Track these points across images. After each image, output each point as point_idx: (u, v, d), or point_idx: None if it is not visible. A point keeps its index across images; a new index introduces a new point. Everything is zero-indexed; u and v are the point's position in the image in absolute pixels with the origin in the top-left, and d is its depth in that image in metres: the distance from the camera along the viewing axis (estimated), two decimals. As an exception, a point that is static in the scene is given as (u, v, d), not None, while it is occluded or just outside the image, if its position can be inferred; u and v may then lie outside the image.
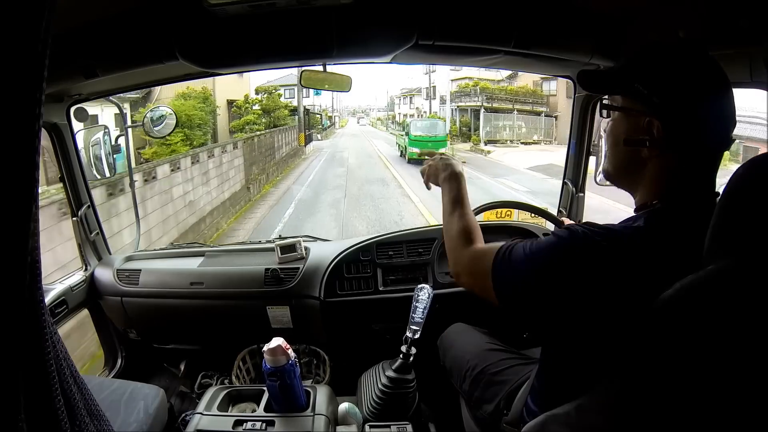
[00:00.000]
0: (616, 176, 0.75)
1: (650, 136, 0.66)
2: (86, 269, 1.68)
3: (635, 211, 0.71)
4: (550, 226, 1.75)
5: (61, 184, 1.60)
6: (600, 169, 0.80)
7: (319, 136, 24.71)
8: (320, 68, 1.25)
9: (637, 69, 0.69)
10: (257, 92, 16.79)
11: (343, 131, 42.74)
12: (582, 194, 1.68)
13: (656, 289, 0.54)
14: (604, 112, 0.74)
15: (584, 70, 0.77)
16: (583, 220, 1.73)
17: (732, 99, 0.65)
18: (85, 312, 1.71)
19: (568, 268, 0.63)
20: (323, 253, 1.70)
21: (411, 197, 9.39)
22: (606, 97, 0.76)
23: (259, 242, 1.90)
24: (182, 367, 1.86)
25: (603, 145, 0.78)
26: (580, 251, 0.63)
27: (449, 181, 0.96)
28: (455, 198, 0.92)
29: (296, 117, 16.99)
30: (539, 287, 0.66)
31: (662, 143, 0.65)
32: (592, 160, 1.62)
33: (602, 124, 0.82)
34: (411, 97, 39.10)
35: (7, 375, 0.30)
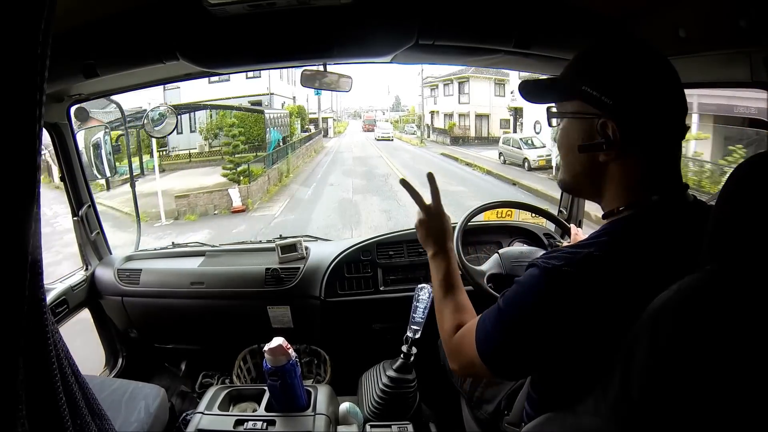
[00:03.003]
0: (575, 186, 0.72)
1: (605, 139, 0.63)
2: (87, 269, 1.69)
3: (603, 218, 0.69)
4: (551, 226, 1.75)
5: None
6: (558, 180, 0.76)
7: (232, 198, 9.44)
8: (320, 68, 1.25)
9: (581, 71, 0.66)
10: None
11: (338, 149, 21.97)
12: None
13: (636, 296, 0.54)
14: (553, 120, 0.71)
15: (524, 81, 0.72)
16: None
17: (681, 86, 0.63)
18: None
19: (543, 308, 0.62)
20: (324, 253, 1.70)
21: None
22: (553, 105, 0.72)
23: (260, 242, 1.90)
24: (183, 367, 1.86)
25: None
26: (547, 287, 0.61)
27: (437, 258, 0.90)
28: (444, 277, 0.88)
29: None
30: (527, 337, 0.64)
31: (620, 144, 0.63)
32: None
33: (550, 132, 0.78)
34: (461, 84, 22.26)
35: (8, 373, 0.30)
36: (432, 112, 26.40)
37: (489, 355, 0.68)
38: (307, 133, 21.85)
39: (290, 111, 19.61)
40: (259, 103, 17.35)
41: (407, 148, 22.10)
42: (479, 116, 21.64)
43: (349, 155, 19.47)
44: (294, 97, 22.05)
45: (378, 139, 26.24)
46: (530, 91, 0.73)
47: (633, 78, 0.62)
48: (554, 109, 0.71)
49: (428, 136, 25.58)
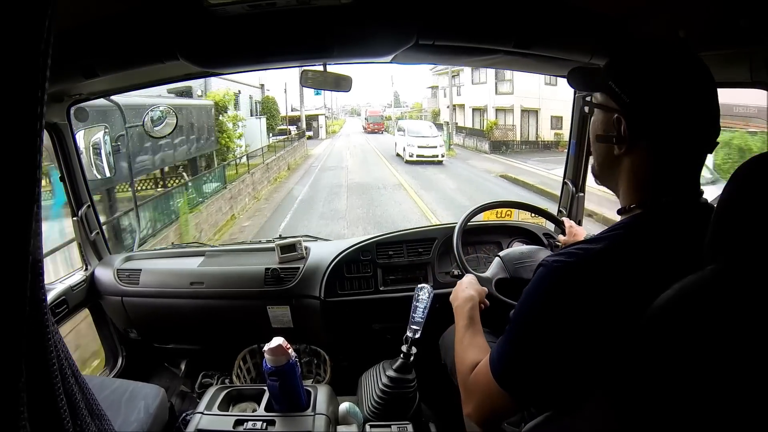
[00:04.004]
0: (599, 174, 0.76)
1: (617, 133, 0.66)
2: (86, 269, 1.68)
3: (618, 213, 0.71)
4: (550, 226, 1.75)
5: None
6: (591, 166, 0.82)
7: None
8: (320, 68, 1.25)
9: (613, 67, 0.69)
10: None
11: (325, 162, 14.91)
12: (582, 194, 1.69)
13: (640, 295, 0.54)
14: (586, 109, 0.76)
15: (575, 68, 0.78)
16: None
17: (713, 103, 0.63)
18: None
19: (553, 307, 0.62)
20: (323, 252, 1.70)
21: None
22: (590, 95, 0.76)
23: (259, 242, 1.90)
24: (183, 367, 1.86)
25: None
26: (555, 284, 0.63)
27: (463, 306, 0.99)
28: (468, 324, 0.93)
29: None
30: (544, 342, 0.63)
31: (627, 141, 0.65)
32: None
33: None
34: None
35: (10, 374, 0.30)
36: (453, 107, 18.89)
37: (504, 374, 0.67)
38: (281, 137, 14.94)
39: (220, 102, 10.82)
40: (187, 92, 10.74)
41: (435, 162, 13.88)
42: (525, 112, 15.34)
43: (342, 178, 11.38)
44: (262, 85, 15.23)
45: (411, 161, 14.13)
46: (576, 79, 0.79)
47: (653, 81, 0.64)
48: (588, 99, 0.75)
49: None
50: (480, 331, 0.92)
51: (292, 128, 19.83)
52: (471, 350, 0.84)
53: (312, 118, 26.06)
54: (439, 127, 18.50)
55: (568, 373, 0.64)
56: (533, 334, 0.64)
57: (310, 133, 23.79)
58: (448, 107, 19.05)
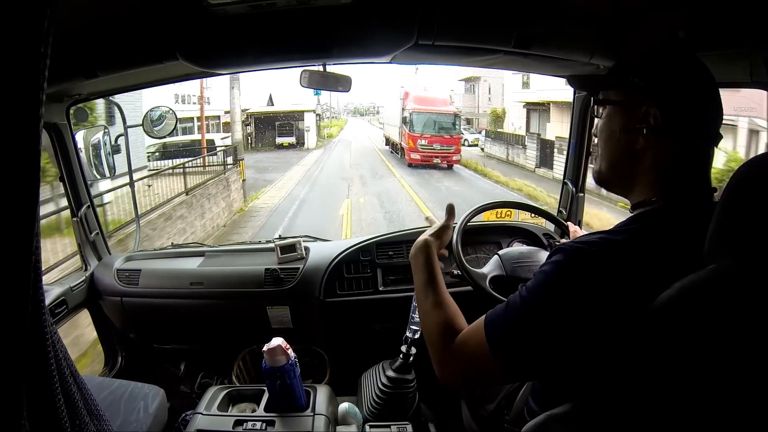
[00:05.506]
0: (610, 173, 0.74)
1: (647, 125, 0.67)
2: (86, 269, 1.68)
3: (632, 209, 0.71)
4: (550, 226, 1.75)
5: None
6: (592, 171, 0.81)
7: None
8: (320, 68, 1.25)
9: (632, 65, 0.70)
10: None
11: None
12: (582, 194, 1.69)
13: (656, 290, 0.54)
14: (600, 109, 0.75)
15: (574, 75, 0.79)
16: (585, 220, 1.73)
17: (719, 97, 0.67)
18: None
19: (571, 289, 0.62)
20: (323, 253, 1.70)
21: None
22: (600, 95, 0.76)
23: (259, 242, 1.90)
24: (182, 367, 1.86)
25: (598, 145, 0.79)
26: (576, 268, 0.63)
27: (417, 257, 0.91)
28: (428, 279, 0.86)
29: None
30: (553, 322, 0.63)
31: (660, 131, 0.66)
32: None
33: (597, 123, 0.81)
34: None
35: (10, 375, 0.30)
36: (531, 105, 12.32)
37: (503, 344, 0.66)
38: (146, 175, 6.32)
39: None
40: None
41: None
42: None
43: None
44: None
45: None
46: (580, 84, 0.78)
47: (679, 75, 0.67)
48: (601, 98, 0.76)
49: (537, 164, 11.47)
50: (441, 285, 0.84)
51: (221, 139, 10.80)
52: (440, 310, 0.79)
53: (292, 117, 17.16)
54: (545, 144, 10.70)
55: (566, 356, 0.64)
56: (544, 310, 0.64)
57: (292, 140, 17.45)
58: (525, 106, 12.02)
